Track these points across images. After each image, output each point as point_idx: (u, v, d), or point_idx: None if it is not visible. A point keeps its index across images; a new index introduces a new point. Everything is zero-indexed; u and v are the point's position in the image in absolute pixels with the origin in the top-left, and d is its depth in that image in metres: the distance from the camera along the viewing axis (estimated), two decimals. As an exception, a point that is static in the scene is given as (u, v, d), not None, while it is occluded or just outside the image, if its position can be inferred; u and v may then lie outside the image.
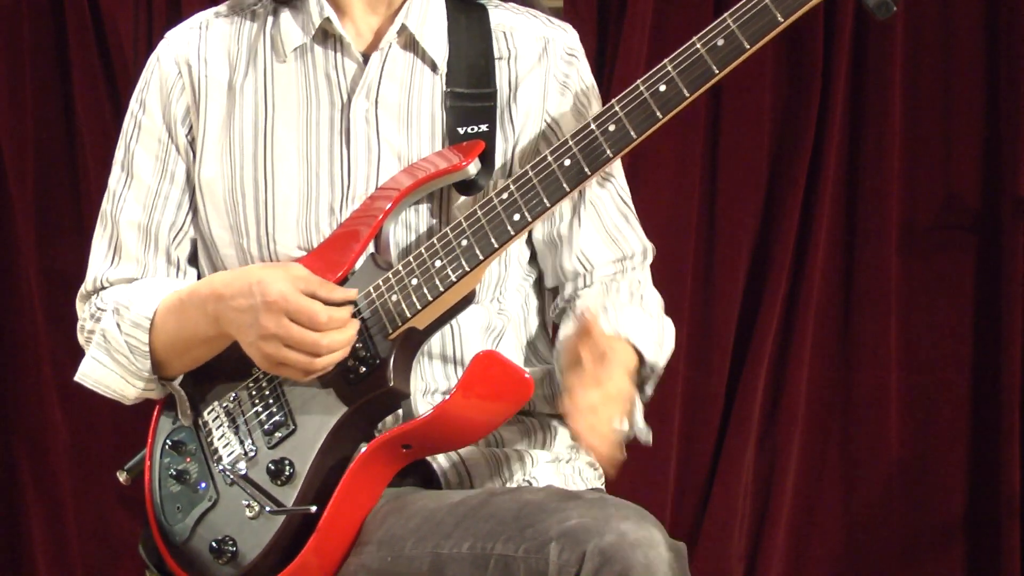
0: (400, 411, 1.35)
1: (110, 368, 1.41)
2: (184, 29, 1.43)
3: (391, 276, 1.33)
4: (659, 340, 1.39)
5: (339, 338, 1.28)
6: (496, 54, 1.40)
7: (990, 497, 2.42)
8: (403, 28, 1.38)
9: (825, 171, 2.38)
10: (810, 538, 2.45)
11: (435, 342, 1.39)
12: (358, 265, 1.35)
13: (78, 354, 2.32)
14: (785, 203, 2.40)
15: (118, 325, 1.38)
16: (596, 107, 1.45)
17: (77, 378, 1.44)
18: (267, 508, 1.29)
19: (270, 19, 1.41)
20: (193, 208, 1.45)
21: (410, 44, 1.40)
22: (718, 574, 2.44)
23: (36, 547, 2.32)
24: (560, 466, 1.41)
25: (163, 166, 1.44)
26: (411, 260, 1.32)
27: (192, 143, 1.43)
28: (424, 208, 1.38)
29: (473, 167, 1.34)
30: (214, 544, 1.32)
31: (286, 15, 1.40)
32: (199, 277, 1.47)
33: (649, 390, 1.42)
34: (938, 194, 2.44)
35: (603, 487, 1.47)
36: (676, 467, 2.43)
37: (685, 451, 2.45)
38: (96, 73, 2.27)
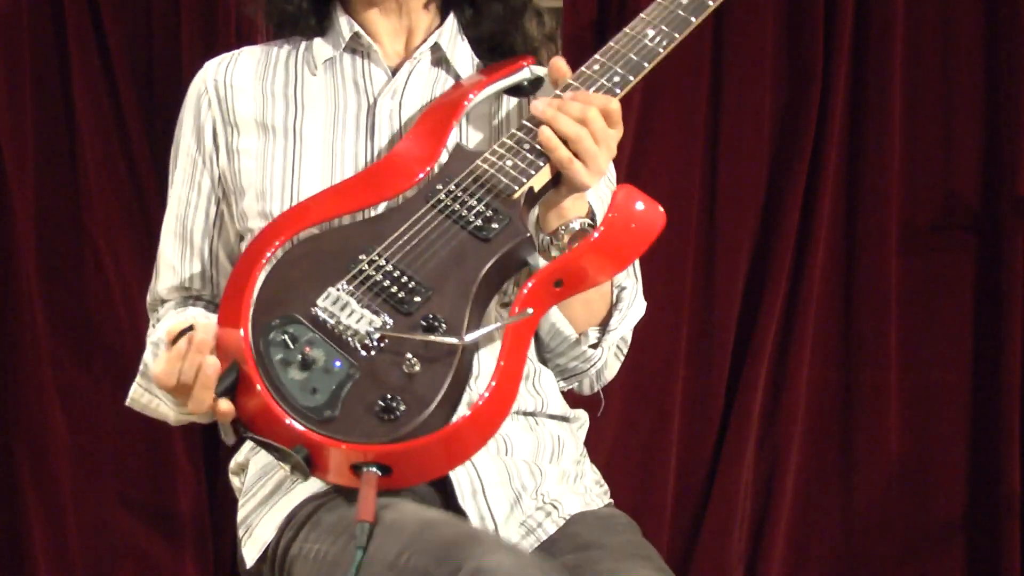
0: (528, 268, 1.37)
1: (151, 393, 1.43)
2: (218, 58, 1.51)
3: (498, 147, 1.35)
4: (626, 270, 1.45)
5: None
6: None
7: (990, 497, 2.40)
8: (436, 47, 1.46)
9: (825, 171, 2.38)
10: (810, 538, 2.43)
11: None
12: (437, 163, 1.38)
13: (78, 355, 2.30)
14: (785, 203, 2.40)
15: (155, 355, 1.39)
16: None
17: (128, 403, 1.46)
18: (453, 339, 1.25)
19: (303, 43, 1.49)
20: (220, 214, 1.49)
21: (440, 62, 1.47)
22: (718, 573, 2.44)
23: (36, 549, 2.32)
24: (571, 485, 1.43)
25: (192, 179, 1.50)
26: (516, 132, 1.35)
27: (217, 147, 1.48)
28: (478, 120, 1.45)
29: (527, 71, 1.44)
30: (380, 403, 1.26)
31: (319, 40, 1.48)
32: None
33: (616, 320, 1.45)
34: (938, 194, 2.42)
35: (612, 502, 1.48)
36: (676, 467, 2.41)
37: (685, 451, 2.42)
38: (96, 72, 2.27)
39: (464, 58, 1.51)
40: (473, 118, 1.46)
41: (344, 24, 1.47)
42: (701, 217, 2.41)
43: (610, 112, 1.31)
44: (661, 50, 1.38)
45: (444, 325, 1.28)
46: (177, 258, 1.50)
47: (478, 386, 1.30)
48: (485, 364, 1.31)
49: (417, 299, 1.30)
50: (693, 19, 1.40)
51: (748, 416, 2.40)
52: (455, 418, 1.23)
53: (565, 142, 1.30)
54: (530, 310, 1.28)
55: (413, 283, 1.32)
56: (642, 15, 1.38)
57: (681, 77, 2.40)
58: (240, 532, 1.43)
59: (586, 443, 1.54)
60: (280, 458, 1.24)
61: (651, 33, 1.38)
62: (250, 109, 1.48)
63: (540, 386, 1.45)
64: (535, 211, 1.42)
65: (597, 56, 1.37)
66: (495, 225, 1.34)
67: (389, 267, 1.34)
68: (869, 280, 2.42)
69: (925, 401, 2.42)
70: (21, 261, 2.31)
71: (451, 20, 1.51)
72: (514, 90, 1.48)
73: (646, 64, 1.38)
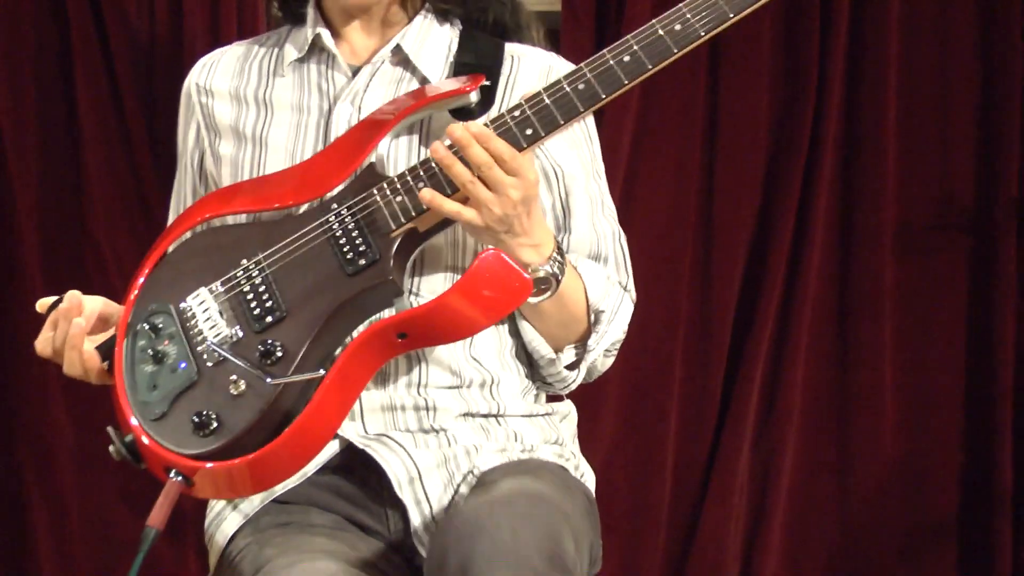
0: (393, 309, 1.38)
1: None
2: (206, 57, 1.54)
3: (396, 179, 1.35)
4: (605, 291, 1.43)
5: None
6: (506, 68, 1.45)
7: (982, 496, 2.44)
8: (398, 48, 1.44)
9: (821, 172, 2.40)
10: (806, 536, 2.47)
11: (437, 253, 1.43)
12: (355, 173, 1.38)
13: None
14: (782, 204, 2.41)
15: None
16: (593, 129, 1.50)
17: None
18: (268, 378, 1.28)
19: (280, 39, 1.51)
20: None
21: (403, 62, 1.45)
22: (714, 571, 2.45)
23: (40, 547, 2.33)
24: (508, 454, 1.44)
25: (186, 174, 1.55)
26: (418, 166, 1.34)
27: (202, 151, 1.52)
28: (419, 133, 1.42)
29: (474, 96, 1.39)
30: (196, 419, 1.31)
31: (291, 36, 1.49)
32: None
33: (595, 341, 1.44)
34: (933, 195, 2.45)
35: (574, 475, 1.48)
36: (673, 465, 2.44)
37: (682, 450, 2.45)
38: (99, 72, 2.27)
39: (433, 57, 1.48)
40: (404, 131, 1.44)
41: (310, 22, 1.47)
42: (698, 218, 2.42)
43: (504, 160, 1.28)
44: (581, 110, 1.33)
45: (280, 352, 1.30)
46: None
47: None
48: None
49: (269, 319, 1.33)
50: (627, 82, 1.33)
51: (744, 416, 2.41)
52: (267, 444, 1.26)
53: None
54: (321, 371, 1.29)
55: (271, 302, 1.35)
56: (583, 65, 1.33)
57: (678, 78, 2.38)
58: (205, 539, 1.47)
59: (583, 440, 1.54)
60: (113, 442, 1.31)
61: (582, 87, 1.34)
62: (227, 115, 1.50)
63: (498, 393, 1.46)
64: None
65: (522, 100, 1.33)
66: (363, 261, 1.34)
67: (258, 279, 1.36)
68: (864, 281, 2.44)
69: (919, 401, 2.45)
70: (25, 260, 2.31)
71: (419, 18, 1.48)
72: (461, 111, 1.44)
73: (561, 122, 1.34)
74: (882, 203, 2.42)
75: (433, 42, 1.48)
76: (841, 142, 2.42)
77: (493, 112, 1.41)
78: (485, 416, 1.43)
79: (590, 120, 1.52)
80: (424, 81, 1.46)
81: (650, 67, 1.28)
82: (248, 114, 1.50)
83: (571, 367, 1.47)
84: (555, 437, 1.48)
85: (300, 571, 1.27)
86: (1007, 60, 2.37)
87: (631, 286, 1.51)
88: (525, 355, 1.51)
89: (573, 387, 1.51)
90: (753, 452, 2.44)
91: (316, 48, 1.48)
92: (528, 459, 1.44)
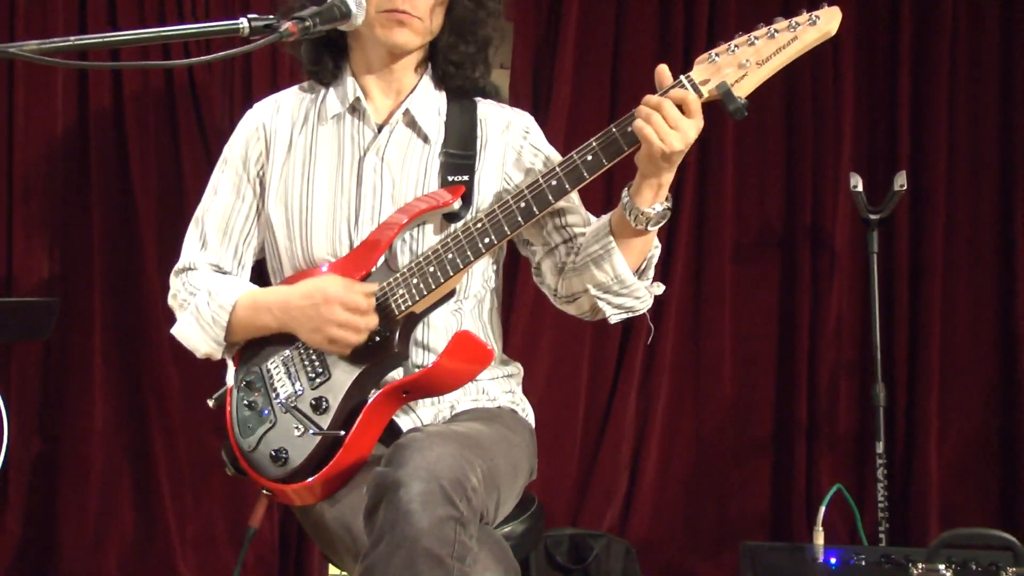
0: (401, 370, 1.52)
1: (196, 329, 1.60)
2: (266, 101, 1.67)
3: (399, 276, 1.48)
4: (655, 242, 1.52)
5: (372, 320, 1.47)
6: (478, 132, 1.60)
7: (787, 426, 2.85)
8: (407, 112, 1.59)
9: (683, 205, 2.78)
10: (672, 453, 2.86)
11: (417, 332, 1.54)
12: (375, 269, 1.51)
13: (125, 357, 2.59)
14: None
15: (208, 303, 1.59)
16: (543, 167, 1.60)
17: (172, 331, 1.64)
18: (311, 431, 1.43)
19: (322, 93, 1.63)
20: (258, 220, 1.62)
21: (411, 123, 1.59)
22: (612, 479, 2.82)
23: (158, 464, 2.60)
24: (478, 403, 1.60)
25: (238, 191, 1.64)
26: (412, 265, 1.48)
27: (261, 177, 1.62)
28: (423, 231, 1.54)
29: (457, 204, 1.51)
30: (273, 453, 1.46)
31: (331, 93, 1.62)
32: (265, 270, 1.67)
33: (651, 270, 1.54)
34: (756, 222, 2.87)
35: (520, 416, 1.63)
36: (584, 405, 2.81)
37: (590, 394, 2.81)
38: (196, 137, 2.63)
39: (430, 115, 1.58)
40: (409, 229, 1.52)
41: (350, 87, 1.56)
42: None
43: (689, 106, 1.33)
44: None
45: (325, 404, 1.43)
46: (217, 244, 1.63)
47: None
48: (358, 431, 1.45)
49: (319, 380, 1.47)
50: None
51: (632, 371, 2.80)
52: (319, 472, 1.42)
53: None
54: (342, 432, 1.40)
55: (321, 367, 1.47)
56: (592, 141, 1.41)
57: (590, 111, 2.65)
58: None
59: (526, 389, 1.74)
60: (226, 464, 1.53)
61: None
62: (282, 155, 1.59)
63: (483, 385, 1.61)
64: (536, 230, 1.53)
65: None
66: (377, 339, 1.45)
67: (312, 350, 1.50)
68: (711, 280, 2.83)
69: (747, 361, 2.85)
70: (145, 275, 2.56)
71: (424, 82, 1.58)
72: (449, 215, 1.53)
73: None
74: (723, 228, 2.84)
75: (430, 106, 1.60)
76: (695, 187, 2.82)
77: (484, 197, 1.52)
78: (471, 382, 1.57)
79: (538, 136, 1.64)
80: (425, 139, 1.58)
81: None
82: (296, 156, 1.58)
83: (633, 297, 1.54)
84: (509, 388, 1.67)
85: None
86: (803, 126, 2.78)
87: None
88: (497, 340, 1.67)
89: (650, 303, 1.56)
90: (638, 396, 2.82)
91: (351, 106, 1.58)
92: (491, 407, 1.59)
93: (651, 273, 1.54)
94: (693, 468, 2.87)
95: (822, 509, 2.35)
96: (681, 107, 1.37)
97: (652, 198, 1.43)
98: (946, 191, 2.81)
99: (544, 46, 2.77)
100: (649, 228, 1.44)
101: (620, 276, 1.49)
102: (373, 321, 1.43)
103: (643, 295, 1.53)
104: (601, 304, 1.54)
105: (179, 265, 1.65)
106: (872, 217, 2.68)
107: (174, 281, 1.66)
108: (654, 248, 1.52)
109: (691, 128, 1.37)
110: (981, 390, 2.84)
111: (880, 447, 2.63)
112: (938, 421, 2.80)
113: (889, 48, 2.85)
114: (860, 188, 2.67)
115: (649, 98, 1.37)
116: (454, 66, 1.58)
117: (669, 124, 1.36)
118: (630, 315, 1.58)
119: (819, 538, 2.33)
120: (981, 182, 2.84)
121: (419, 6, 1.53)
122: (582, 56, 2.78)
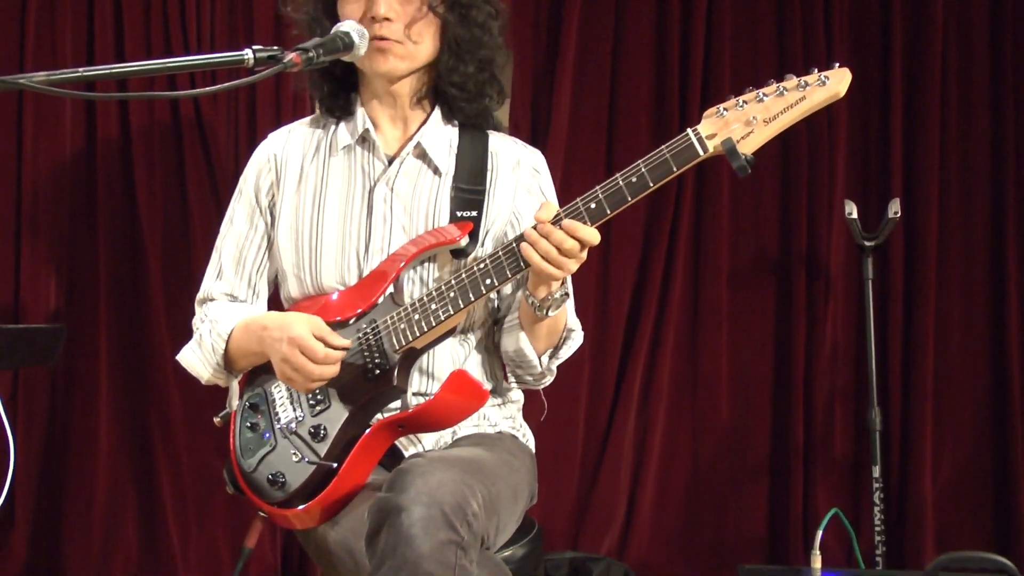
0: (400, 401, 1.52)
1: (197, 356, 1.64)
2: (279, 132, 1.68)
3: (401, 311, 1.49)
4: (574, 314, 1.57)
5: (327, 371, 1.45)
6: (488, 166, 1.60)
7: (784, 449, 2.84)
8: (418, 144, 1.60)
9: (680, 231, 2.79)
10: (670, 477, 2.85)
11: (423, 359, 1.56)
12: (380, 300, 1.51)
13: (130, 382, 2.62)
14: (655, 254, 2.79)
15: (210, 332, 1.62)
16: (549, 187, 1.63)
17: (177, 357, 1.66)
18: (306, 459, 1.46)
19: (332, 126, 1.64)
20: (270, 250, 1.63)
21: (422, 155, 1.60)
22: (611, 502, 2.81)
23: (162, 482, 2.63)
24: (479, 428, 1.60)
25: (251, 220, 1.65)
26: (415, 302, 1.49)
27: (272, 207, 1.64)
28: (430, 265, 1.55)
29: (464, 240, 1.52)
30: (271, 476, 1.47)
31: (342, 125, 1.63)
32: (279, 298, 1.68)
33: (566, 351, 1.58)
34: (752, 250, 2.86)
35: (521, 441, 1.63)
36: (584, 429, 2.80)
37: (589, 418, 2.82)
38: (201, 168, 2.68)
39: (441, 147, 1.58)
40: (414, 265, 1.53)
41: (360, 119, 1.57)
42: (598, 265, 2.77)
43: (587, 242, 1.34)
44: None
45: (323, 432, 1.44)
46: (231, 274, 1.65)
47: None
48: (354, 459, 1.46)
49: (319, 408, 1.48)
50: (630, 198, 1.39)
51: (630, 395, 2.79)
52: (312, 500, 1.43)
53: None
54: (334, 464, 1.41)
55: (321, 395, 1.48)
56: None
57: (588, 158, 2.68)
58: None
59: (526, 414, 1.74)
60: (227, 483, 1.54)
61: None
62: (294, 183, 1.60)
63: (484, 411, 1.61)
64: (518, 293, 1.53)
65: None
66: (378, 371, 1.46)
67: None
68: (708, 305, 2.83)
69: (744, 383, 2.84)
70: (152, 305, 2.59)
71: (435, 115, 1.58)
72: (456, 251, 1.53)
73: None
74: (720, 255, 2.84)
75: (441, 139, 1.60)
76: (693, 211, 2.82)
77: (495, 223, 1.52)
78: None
79: (547, 179, 1.65)
80: (436, 171, 1.58)
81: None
82: (308, 186, 1.59)
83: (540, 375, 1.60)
84: (510, 414, 1.68)
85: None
86: (798, 154, 2.76)
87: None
88: (499, 369, 1.66)
89: (547, 383, 1.62)
90: (637, 419, 2.81)
91: (361, 137, 1.59)
92: (492, 433, 1.59)
93: (565, 352, 1.58)
94: (691, 492, 2.87)
95: (819, 532, 2.35)
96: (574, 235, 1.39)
97: (547, 291, 1.46)
98: (939, 218, 2.82)
99: (542, 77, 2.81)
100: (549, 314, 1.47)
101: (520, 351, 1.54)
102: (328, 372, 1.44)
103: (539, 374, 1.57)
104: (507, 369, 1.61)
105: (199, 295, 1.69)
106: (867, 244, 2.69)
107: (197, 310, 1.70)
108: (567, 328, 1.56)
109: (582, 257, 1.42)
110: (975, 414, 2.85)
111: (876, 471, 2.63)
112: (933, 445, 2.81)
113: (882, 78, 2.87)
114: (855, 215, 2.68)
115: (542, 224, 1.40)
116: (457, 88, 1.58)
117: (562, 253, 1.40)
118: (527, 387, 1.65)
119: (816, 561, 2.33)
120: (973, 209, 2.86)
121: (395, 30, 1.54)
122: (579, 88, 2.81)
